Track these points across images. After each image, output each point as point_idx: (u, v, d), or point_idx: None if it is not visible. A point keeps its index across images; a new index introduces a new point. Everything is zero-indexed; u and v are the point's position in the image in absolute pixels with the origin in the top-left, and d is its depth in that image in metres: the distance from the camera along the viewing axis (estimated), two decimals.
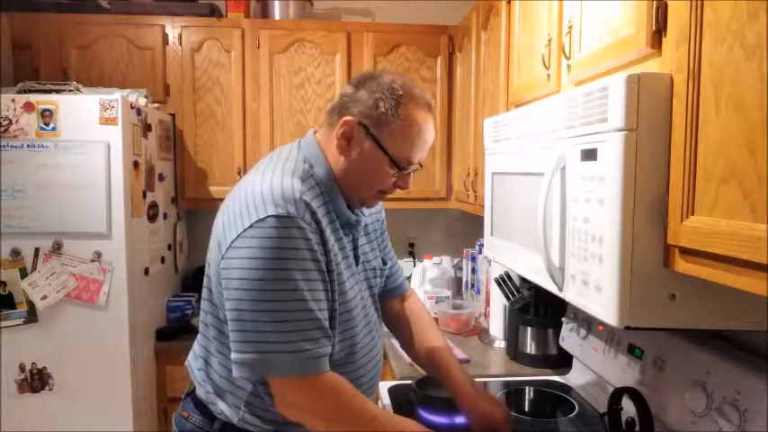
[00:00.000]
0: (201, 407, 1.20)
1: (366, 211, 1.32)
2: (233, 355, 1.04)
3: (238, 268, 1.03)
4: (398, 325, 1.49)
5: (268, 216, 1.02)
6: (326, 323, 1.07)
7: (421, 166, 1.22)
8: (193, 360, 1.26)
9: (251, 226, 1.02)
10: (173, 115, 2.68)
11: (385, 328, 1.48)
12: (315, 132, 1.23)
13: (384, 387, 1.76)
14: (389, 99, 1.11)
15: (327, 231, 1.11)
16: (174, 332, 2.50)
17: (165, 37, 2.65)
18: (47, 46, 2.57)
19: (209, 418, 1.18)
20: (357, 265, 1.24)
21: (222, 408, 1.16)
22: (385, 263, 1.40)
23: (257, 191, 1.06)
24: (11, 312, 2.14)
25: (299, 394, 1.06)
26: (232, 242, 1.04)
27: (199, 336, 1.24)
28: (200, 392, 1.20)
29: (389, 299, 1.47)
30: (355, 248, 1.24)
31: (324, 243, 1.08)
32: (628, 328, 0.92)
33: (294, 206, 1.04)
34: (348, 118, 1.13)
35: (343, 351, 1.17)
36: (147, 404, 2.38)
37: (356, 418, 1.07)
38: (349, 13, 3.05)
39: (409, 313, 1.48)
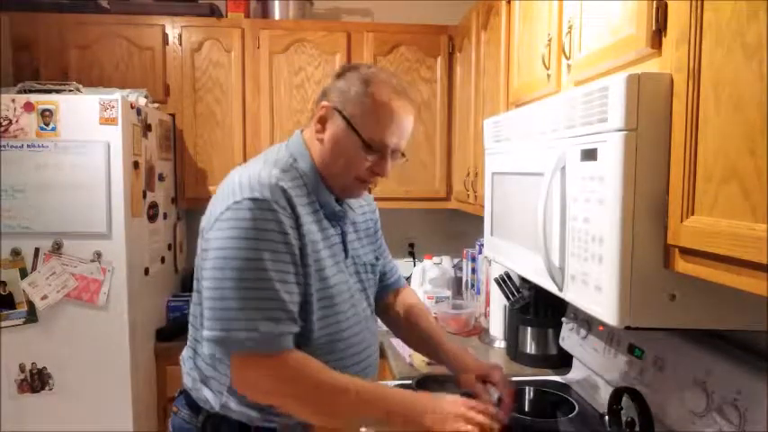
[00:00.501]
0: (190, 400, 1.22)
1: (357, 209, 1.37)
2: (203, 332, 1.07)
3: (213, 249, 1.08)
4: (387, 314, 1.52)
5: (244, 199, 1.07)
6: (293, 306, 1.09)
7: (404, 155, 1.24)
8: (185, 351, 1.28)
9: (227, 208, 1.07)
10: (173, 115, 2.68)
11: (383, 327, 1.49)
12: (302, 131, 1.28)
13: None
14: (360, 83, 1.16)
15: (306, 218, 1.14)
16: (174, 332, 2.50)
17: (165, 37, 2.65)
18: (47, 46, 2.57)
19: (196, 410, 1.20)
20: (347, 258, 1.27)
21: (207, 395, 1.17)
22: (377, 259, 1.42)
23: (236, 180, 1.11)
24: (11, 312, 2.14)
25: (256, 371, 1.07)
26: (211, 226, 1.10)
27: (189, 326, 1.26)
28: (187, 382, 1.23)
29: (383, 295, 1.50)
30: (344, 241, 1.26)
31: (299, 227, 1.11)
32: (628, 328, 0.92)
33: (269, 190, 1.08)
34: (324, 103, 1.18)
35: (323, 339, 1.17)
36: (147, 404, 2.38)
37: (323, 392, 1.07)
38: (349, 13, 3.05)
39: (398, 302, 1.51)
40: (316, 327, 1.15)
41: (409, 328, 1.48)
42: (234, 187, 1.10)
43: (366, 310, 1.32)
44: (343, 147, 1.17)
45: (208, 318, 1.07)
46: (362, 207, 1.40)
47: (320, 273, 1.16)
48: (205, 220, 1.15)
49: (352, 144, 1.16)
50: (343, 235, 1.26)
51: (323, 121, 1.19)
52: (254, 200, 1.07)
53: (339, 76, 1.21)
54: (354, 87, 1.16)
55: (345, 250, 1.26)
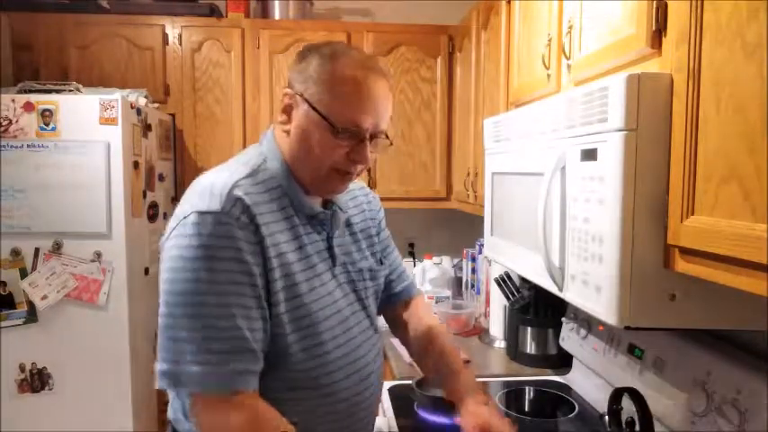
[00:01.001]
0: None
1: (353, 208, 1.23)
2: (156, 363, 0.94)
3: (163, 270, 0.94)
4: (396, 329, 1.38)
5: (191, 212, 0.93)
6: (251, 334, 0.93)
7: (387, 137, 1.08)
8: None
9: (178, 224, 0.94)
10: (173, 115, 2.68)
11: (384, 326, 1.37)
12: (275, 126, 1.14)
13: (384, 387, 1.76)
14: (321, 60, 1.02)
15: (274, 227, 0.99)
16: None
17: (165, 37, 2.64)
18: (47, 46, 2.57)
19: None
20: (335, 266, 1.11)
21: (187, 427, 1.04)
22: (381, 262, 1.28)
23: (194, 189, 0.99)
24: (11, 312, 2.14)
25: (208, 414, 0.94)
26: (163, 244, 0.97)
27: None
28: (169, 413, 1.10)
29: (391, 305, 1.36)
30: (330, 247, 1.11)
31: (261, 241, 0.96)
32: (628, 328, 0.92)
33: (220, 201, 0.93)
34: (286, 90, 1.06)
35: (305, 363, 1.02)
36: (147, 404, 2.38)
37: None
38: (349, 13, 3.05)
39: (411, 320, 1.34)
40: (295, 349, 1.01)
41: (423, 355, 1.30)
42: (189, 197, 0.98)
43: (364, 323, 1.16)
44: (311, 135, 1.02)
45: (159, 348, 0.93)
46: (361, 206, 1.26)
47: (292, 289, 1.00)
48: (164, 236, 1.00)
49: (321, 130, 1.01)
50: (330, 240, 1.11)
51: (287, 111, 1.05)
52: (201, 214, 0.92)
53: (299, 58, 1.07)
54: (314, 66, 1.02)
55: (332, 257, 1.11)
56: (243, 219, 0.94)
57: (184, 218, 0.93)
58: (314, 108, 1.01)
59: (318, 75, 1.01)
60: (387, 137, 1.08)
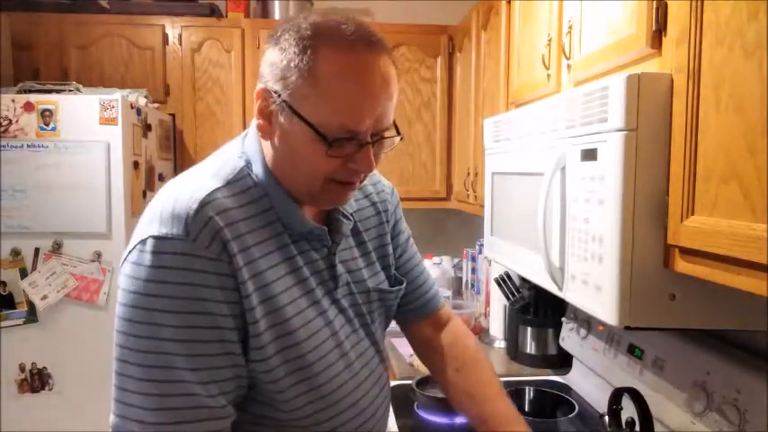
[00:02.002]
0: None
1: (358, 212, 1.01)
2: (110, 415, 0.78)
3: (118, 303, 0.77)
4: (431, 358, 1.13)
5: (148, 237, 0.75)
6: (216, 386, 0.76)
7: (397, 130, 0.86)
8: None
9: (132, 248, 0.77)
10: (173, 115, 2.68)
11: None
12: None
13: None
14: (293, 46, 0.78)
15: (255, 251, 0.80)
16: None
17: (165, 37, 2.64)
18: (47, 46, 2.57)
19: None
20: (336, 288, 0.91)
21: None
22: (398, 281, 1.06)
23: (155, 202, 0.80)
24: (11, 312, 2.14)
25: None
26: (120, 268, 0.79)
27: None
28: None
29: (414, 322, 1.14)
30: (332, 266, 0.91)
31: (236, 273, 0.76)
32: (628, 328, 0.92)
33: (182, 224, 0.74)
34: (259, 87, 0.82)
35: (302, 409, 0.85)
36: None
37: None
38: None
39: (446, 343, 1.11)
40: (288, 399, 0.84)
41: (460, 389, 1.06)
42: (149, 214, 0.79)
43: (368, 353, 0.97)
44: (297, 146, 0.80)
45: (112, 396, 0.77)
46: (372, 205, 1.05)
47: (281, 327, 0.82)
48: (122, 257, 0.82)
49: (309, 141, 0.78)
50: (331, 258, 0.91)
51: (264, 113, 0.82)
52: (157, 239, 0.74)
53: (272, 40, 0.82)
54: (290, 54, 0.77)
55: (334, 277, 0.91)
56: (213, 247, 0.75)
57: (141, 242, 0.75)
58: (297, 114, 0.78)
59: (297, 68, 0.77)
60: (396, 129, 0.86)
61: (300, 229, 0.87)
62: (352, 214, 0.98)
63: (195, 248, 0.74)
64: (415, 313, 1.13)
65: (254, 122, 0.87)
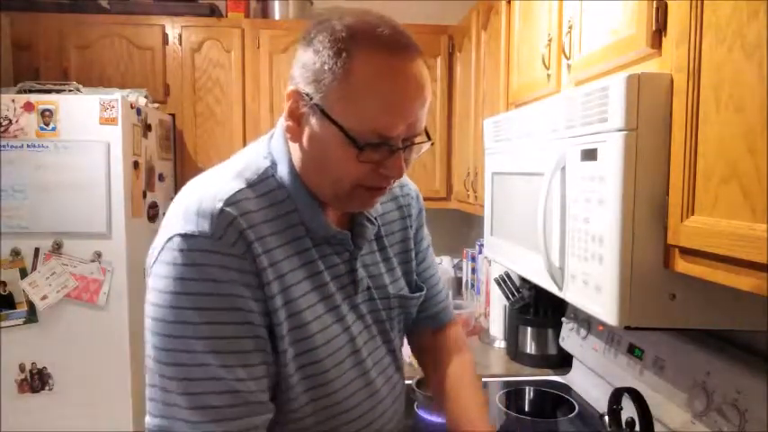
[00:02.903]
0: None
1: (381, 216, 0.99)
2: (146, 418, 0.78)
3: (147, 302, 0.78)
4: (425, 360, 1.15)
5: (175, 235, 0.75)
6: (254, 383, 0.76)
7: (428, 135, 0.85)
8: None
9: (162, 248, 0.77)
10: (173, 115, 2.68)
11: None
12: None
13: None
14: (328, 48, 0.76)
15: (278, 254, 0.80)
16: None
17: (165, 37, 2.64)
18: (47, 46, 2.57)
19: None
20: (356, 294, 0.91)
21: None
22: (418, 288, 1.05)
23: (180, 201, 0.81)
24: (11, 312, 2.14)
25: None
26: (150, 268, 0.80)
27: None
28: None
29: (420, 330, 1.13)
30: (353, 270, 0.91)
31: (259, 273, 0.77)
32: (628, 328, 0.92)
33: (208, 222, 0.75)
34: (290, 89, 0.81)
35: (314, 416, 0.85)
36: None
37: None
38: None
39: (446, 365, 1.09)
40: (299, 406, 0.84)
41: (447, 402, 1.06)
42: (174, 213, 0.80)
43: (384, 361, 0.96)
44: (327, 150, 0.79)
45: (148, 396, 0.77)
46: (398, 208, 1.03)
47: (299, 331, 0.81)
48: (148, 257, 0.82)
49: (340, 146, 0.78)
50: (352, 262, 0.91)
51: (294, 115, 0.81)
52: (185, 236, 0.74)
53: (304, 40, 0.80)
54: (324, 56, 0.76)
55: (354, 282, 0.91)
56: (239, 246, 0.75)
57: (168, 240, 0.76)
58: (329, 118, 0.77)
59: (331, 71, 0.76)
60: (427, 134, 0.84)
61: (323, 233, 0.86)
62: (376, 218, 0.96)
63: (221, 246, 0.74)
64: (425, 323, 1.12)
65: (280, 123, 0.87)
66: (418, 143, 0.83)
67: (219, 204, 0.76)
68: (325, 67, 0.76)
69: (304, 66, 0.79)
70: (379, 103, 0.76)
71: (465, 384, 1.05)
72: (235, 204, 0.77)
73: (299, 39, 0.83)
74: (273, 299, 0.78)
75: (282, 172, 0.85)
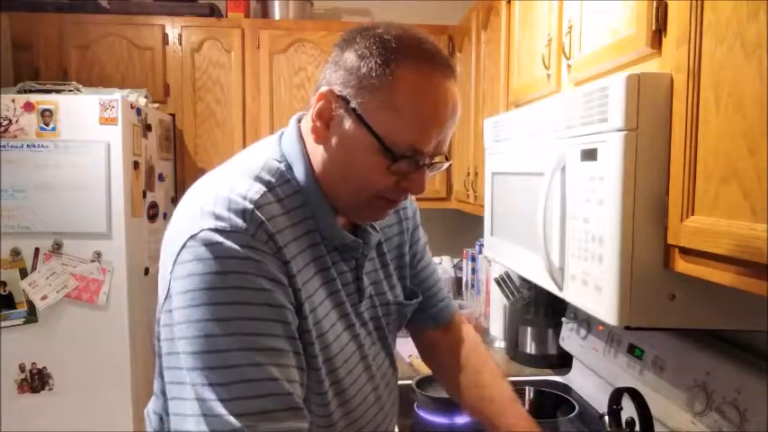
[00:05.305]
0: None
1: (389, 228, 1.00)
2: (187, 427, 0.71)
3: (176, 309, 0.72)
4: (438, 359, 1.15)
5: (202, 230, 0.71)
6: (290, 385, 0.73)
7: (448, 159, 0.87)
8: (152, 403, 0.92)
9: (183, 246, 0.72)
10: (173, 115, 2.68)
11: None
12: (299, 120, 0.89)
13: None
14: (376, 56, 0.76)
15: (300, 259, 0.78)
16: None
17: (165, 37, 2.65)
18: (47, 46, 2.57)
19: None
20: (361, 301, 0.90)
21: None
22: (414, 294, 1.05)
23: (196, 198, 0.78)
24: (11, 312, 2.14)
25: None
26: (171, 271, 0.74)
27: (156, 375, 0.87)
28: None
29: (423, 328, 1.15)
30: (358, 279, 0.90)
31: (291, 278, 0.75)
32: (628, 328, 0.92)
33: (240, 218, 0.72)
34: (324, 89, 0.79)
35: (328, 418, 0.84)
36: (147, 404, 2.38)
37: None
38: (349, 13, 3.05)
39: (456, 346, 1.11)
40: (329, 406, 0.84)
41: (473, 394, 1.06)
42: (192, 210, 0.75)
43: (384, 364, 0.98)
44: (356, 157, 0.78)
45: (175, 412, 0.74)
46: (390, 218, 1.02)
47: (322, 338, 0.81)
48: (162, 259, 0.78)
49: (371, 154, 0.77)
50: (359, 269, 0.90)
51: (324, 118, 0.79)
52: (217, 232, 0.71)
53: (344, 45, 0.80)
54: (367, 62, 0.75)
55: (360, 290, 0.90)
56: (271, 245, 0.73)
57: (191, 237, 0.71)
58: (365, 124, 0.76)
59: (377, 78, 0.75)
60: (447, 158, 0.86)
61: (339, 240, 0.85)
62: (378, 229, 0.96)
63: (255, 242, 0.72)
64: (429, 321, 1.13)
65: (292, 123, 0.87)
66: (438, 162, 0.84)
67: (250, 205, 0.73)
68: (372, 74, 0.75)
69: (346, 69, 0.78)
70: (419, 117, 0.76)
71: (506, 400, 1.05)
72: (262, 208, 0.75)
73: (337, 42, 0.83)
74: (303, 306, 0.77)
75: (299, 175, 0.82)
